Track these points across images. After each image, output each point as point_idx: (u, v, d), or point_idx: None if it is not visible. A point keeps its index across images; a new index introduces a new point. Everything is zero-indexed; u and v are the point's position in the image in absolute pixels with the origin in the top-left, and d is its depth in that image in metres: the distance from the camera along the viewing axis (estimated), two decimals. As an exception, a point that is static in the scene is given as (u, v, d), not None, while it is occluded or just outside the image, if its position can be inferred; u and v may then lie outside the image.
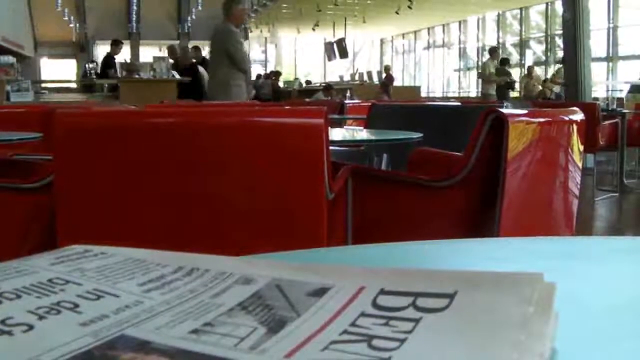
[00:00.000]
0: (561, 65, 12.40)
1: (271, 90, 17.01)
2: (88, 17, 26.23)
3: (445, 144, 2.55)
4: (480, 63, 22.79)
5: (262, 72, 22.25)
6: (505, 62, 13.91)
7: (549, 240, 0.62)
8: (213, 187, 1.50)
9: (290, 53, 29.76)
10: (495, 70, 12.62)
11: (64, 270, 0.38)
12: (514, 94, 13.52)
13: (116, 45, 11.23)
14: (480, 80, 14.64)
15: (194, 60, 11.58)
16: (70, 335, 0.30)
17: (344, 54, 24.10)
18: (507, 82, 12.96)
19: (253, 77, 19.04)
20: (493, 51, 13.56)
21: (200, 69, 11.09)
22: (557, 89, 12.89)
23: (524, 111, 2.22)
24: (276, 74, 19.06)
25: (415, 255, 0.57)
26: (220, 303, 0.34)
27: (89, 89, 11.52)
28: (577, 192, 2.13)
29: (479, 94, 19.33)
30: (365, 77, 20.86)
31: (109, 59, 10.98)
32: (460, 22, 23.41)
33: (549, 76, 15.71)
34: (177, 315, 0.33)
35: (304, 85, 19.72)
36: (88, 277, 0.38)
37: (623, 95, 9.69)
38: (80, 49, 26.14)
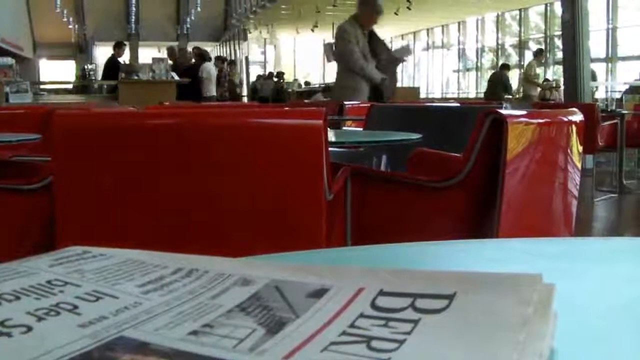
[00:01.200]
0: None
1: (271, 91, 17.02)
2: (87, 18, 26.25)
3: (444, 144, 2.56)
4: (479, 64, 22.82)
5: (261, 73, 22.28)
6: (505, 67, 13.87)
7: (548, 241, 0.62)
8: (212, 188, 1.50)
9: (289, 54, 29.77)
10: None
11: (63, 272, 0.38)
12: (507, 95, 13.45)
13: (119, 47, 11.19)
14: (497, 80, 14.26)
15: (194, 61, 11.59)
16: (69, 336, 0.30)
17: (343, 55, 24.07)
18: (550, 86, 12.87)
19: (252, 78, 19.06)
20: (539, 52, 13.21)
21: (207, 67, 11.07)
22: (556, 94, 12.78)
23: (523, 112, 2.22)
24: (280, 75, 19.04)
25: (414, 256, 0.57)
26: (220, 304, 0.34)
27: (88, 90, 11.51)
28: (576, 192, 2.14)
29: (478, 95, 19.32)
30: (365, 78, 20.85)
31: (115, 62, 10.91)
32: (459, 23, 23.41)
33: (548, 76, 15.68)
34: (176, 317, 0.33)
35: (303, 86, 19.74)
36: (87, 278, 0.38)
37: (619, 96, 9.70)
38: (79, 50, 26.17)
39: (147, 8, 26.41)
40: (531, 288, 0.34)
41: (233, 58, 20.60)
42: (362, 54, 5.54)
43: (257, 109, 3.02)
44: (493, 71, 15.45)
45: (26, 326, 0.31)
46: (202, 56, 11.59)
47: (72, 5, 25.61)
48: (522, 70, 12.69)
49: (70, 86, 13.40)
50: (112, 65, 10.80)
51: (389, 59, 5.74)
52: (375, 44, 5.65)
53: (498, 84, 12.64)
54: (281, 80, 18.39)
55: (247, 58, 24.02)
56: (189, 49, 14.04)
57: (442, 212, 2.03)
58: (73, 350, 0.29)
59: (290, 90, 18.11)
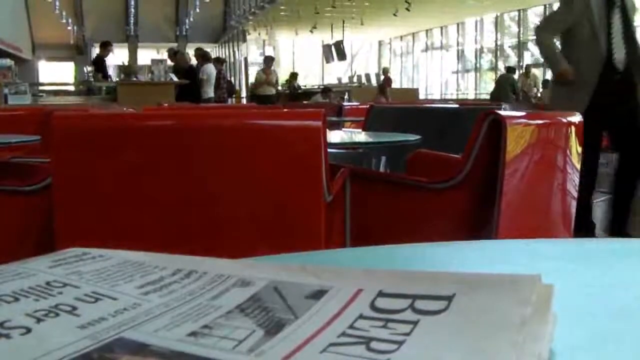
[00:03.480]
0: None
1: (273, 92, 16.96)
2: (86, 20, 26.27)
3: (443, 146, 2.56)
4: (478, 65, 22.85)
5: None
6: (511, 70, 14.07)
7: (546, 241, 0.62)
8: (211, 189, 1.50)
9: (288, 55, 29.79)
10: None
11: (62, 273, 0.38)
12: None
13: (105, 47, 11.19)
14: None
15: (195, 62, 11.60)
16: (69, 338, 0.30)
17: (342, 56, 24.14)
18: None
19: (251, 79, 18.95)
20: None
21: (208, 68, 11.08)
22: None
23: (522, 113, 2.22)
24: (294, 76, 18.92)
25: (413, 257, 0.57)
26: (219, 305, 0.34)
27: (87, 91, 11.53)
28: (575, 193, 2.14)
29: (477, 96, 19.34)
30: (364, 80, 20.86)
31: (100, 61, 10.96)
32: (458, 24, 23.44)
33: (547, 77, 15.77)
34: (175, 318, 0.33)
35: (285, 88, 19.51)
36: (86, 279, 0.38)
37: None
38: (78, 52, 26.17)
39: (145, 9, 26.43)
40: (530, 288, 0.34)
41: (269, 55, 20.03)
42: (591, 22, 3.83)
43: (255, 111, 3.01)
44: (501, 73, 15.78)
45: (25, 327, 0.31)
46: (205, 57, 11.60)
47: (71, 7, 25.62)
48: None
49: (69, 87, 13.42)
50: (97, 64, 10.92)
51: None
52: (626, 14, 3.86)
53: (506, 85, 12.86)
54: (294, 81, 18.31)
55: (246, 59, 24.02)
56: (190, 50, 14.04)
57: (441, 213, 2.03)
58: (72, 351, 0.29)
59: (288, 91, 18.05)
